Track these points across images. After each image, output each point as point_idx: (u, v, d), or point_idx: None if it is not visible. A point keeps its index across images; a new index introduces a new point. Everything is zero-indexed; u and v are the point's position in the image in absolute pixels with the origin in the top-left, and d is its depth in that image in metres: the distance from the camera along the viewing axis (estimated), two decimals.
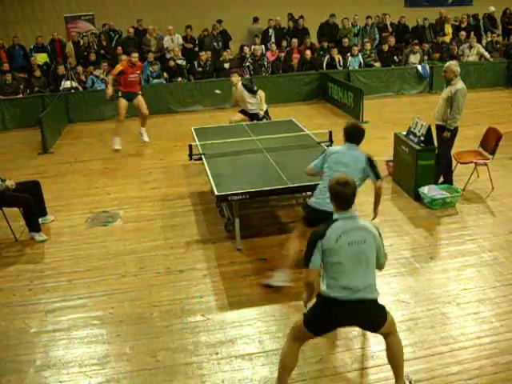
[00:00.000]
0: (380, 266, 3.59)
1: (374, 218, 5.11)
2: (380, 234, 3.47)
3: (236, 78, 8.65)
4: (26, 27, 14.74)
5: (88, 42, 13.73)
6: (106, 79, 12.34)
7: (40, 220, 6.46)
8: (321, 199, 4.65)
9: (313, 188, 5.17)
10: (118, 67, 9.60)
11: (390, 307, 4.65)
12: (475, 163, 7.08)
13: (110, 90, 9.54)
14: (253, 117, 8.72)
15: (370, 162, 4.72)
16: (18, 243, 6.25)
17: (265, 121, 8.54)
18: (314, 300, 3.58)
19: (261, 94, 8.48)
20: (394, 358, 3.56)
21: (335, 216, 3.40)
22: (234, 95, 8.99)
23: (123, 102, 9.67)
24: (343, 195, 3.34)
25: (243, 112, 8.88)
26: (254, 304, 4.82)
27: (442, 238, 5.90)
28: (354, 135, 4.79)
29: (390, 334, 3.54)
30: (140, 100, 9.84)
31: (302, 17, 14.97)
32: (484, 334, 4.28)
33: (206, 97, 12.57)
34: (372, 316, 3.46)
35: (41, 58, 13.33)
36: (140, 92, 9.94)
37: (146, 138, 10.11)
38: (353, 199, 3.36)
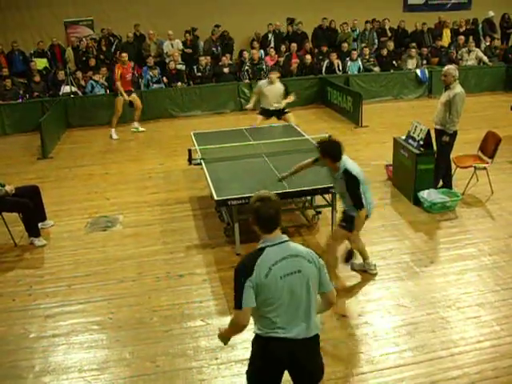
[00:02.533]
0: (327, 295, 2.96)
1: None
2: (319, 256, 2.94)
3: (276, 75, 9.25)
4: (26, 32, 14.74)
5: (87, 46, 13.75)
6: (105, 84, 12.36)
7: (39, 225, 6.46)
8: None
9: (311, 192, 5.13)
10: (117, 71, 10.61)
11: (389, 311, 4.69)
12: (474, 167, 7.09)
13: (126, 97, 10.75)
14: (274, 113, 9.30)
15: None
16: (18, 248, 6.24)
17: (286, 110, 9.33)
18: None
19: (293, 95, 9.36)
20: None
21: (260, 244, 2.84)
22: (262, 91, 9.25)
23: (121, 101, 10.84)
24: (265, 214, 2.78)
25: (262, 113, 9.32)
26: None
27: (442, 242, 5.89)
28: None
29: None
30: (134, 97, 11.12)
31: (300, 22, 15.02)
32: (484, 338, 4.28)
33: (205, 101, 12.61)
34: (316, 358, 2.96)
35: (40, 63, 13.33)
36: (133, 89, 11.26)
37: (140, 128, 11.28)
38: (278, 219, 2.82)
